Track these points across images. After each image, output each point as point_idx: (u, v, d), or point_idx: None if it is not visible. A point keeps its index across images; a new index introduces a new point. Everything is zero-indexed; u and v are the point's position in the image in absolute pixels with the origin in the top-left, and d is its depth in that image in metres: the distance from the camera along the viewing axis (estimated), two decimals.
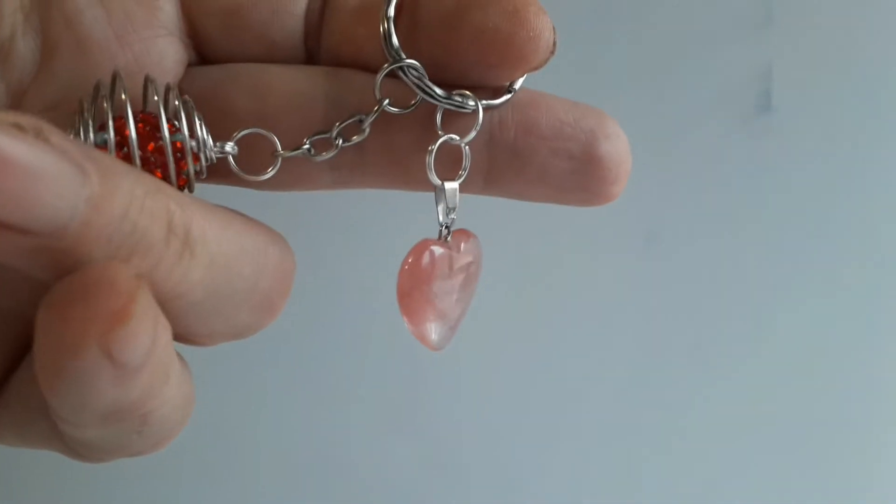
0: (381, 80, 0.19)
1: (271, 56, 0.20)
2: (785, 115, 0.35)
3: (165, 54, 0.19)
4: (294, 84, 0.19)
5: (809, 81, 0.35)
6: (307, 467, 0.38)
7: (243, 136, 0.19)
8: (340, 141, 0.20)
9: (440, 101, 0.19)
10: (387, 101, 0.19)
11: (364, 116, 0.19)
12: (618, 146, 0.19)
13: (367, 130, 0.19)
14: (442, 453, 0.38)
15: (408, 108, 0.19)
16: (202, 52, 0.20)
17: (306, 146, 0.19)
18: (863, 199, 0.36)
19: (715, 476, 0.38)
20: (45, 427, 0.18)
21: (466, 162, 0.20)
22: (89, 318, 0.14)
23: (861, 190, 0.36)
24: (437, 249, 0.21)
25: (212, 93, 0.19)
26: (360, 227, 0.34)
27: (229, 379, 0.37)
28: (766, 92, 0.35)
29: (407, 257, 0.21)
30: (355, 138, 0.19)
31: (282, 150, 0.19)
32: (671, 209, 0.36)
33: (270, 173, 0.19)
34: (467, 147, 0.19)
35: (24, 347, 0.19)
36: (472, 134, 0.19)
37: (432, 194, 0.20)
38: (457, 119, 0.19)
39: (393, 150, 0.20)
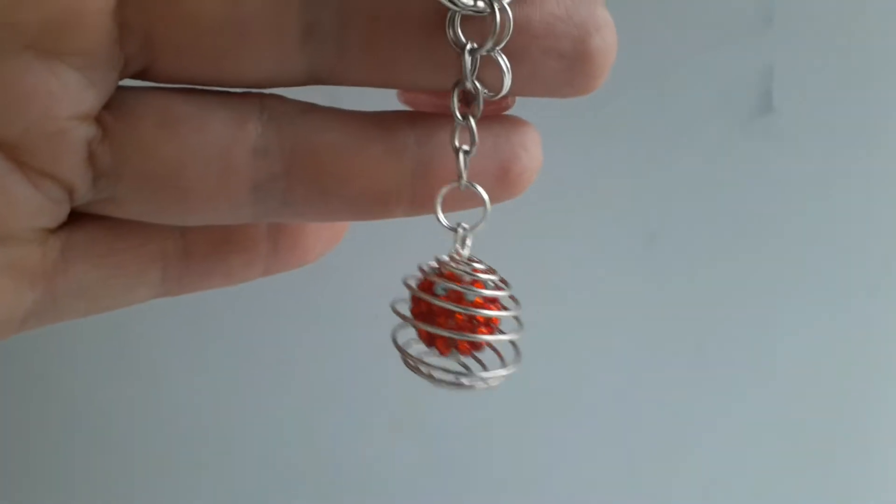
0: None
1: None
2: (786, 117, 0.35)
3: None
4: None
5: (811, 82, 0.35)
6: (306, 467, 0.38)
7: None
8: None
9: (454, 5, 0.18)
10: None
11: None
12: (607, 39, 0.19)
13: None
14: (442, 453, 0.38)
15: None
16: None
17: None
18: (864, 200, 0.36)
19: (716, 476, 0.38)
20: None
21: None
22: None
23: (863, 191, 0.36)
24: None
25: None
26: (359, 223, 0.34)
27: (228, 378, 0.37)
28: (766, 93, 0.35)
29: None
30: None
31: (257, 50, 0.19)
32: (671, 210, 0.36)
33: None
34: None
35: None
36: (489, 44, 0.19)
37: None
38: (467, 23, 0.19)
39: (379, 48, 0.19)
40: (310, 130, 0.20)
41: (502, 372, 0.21)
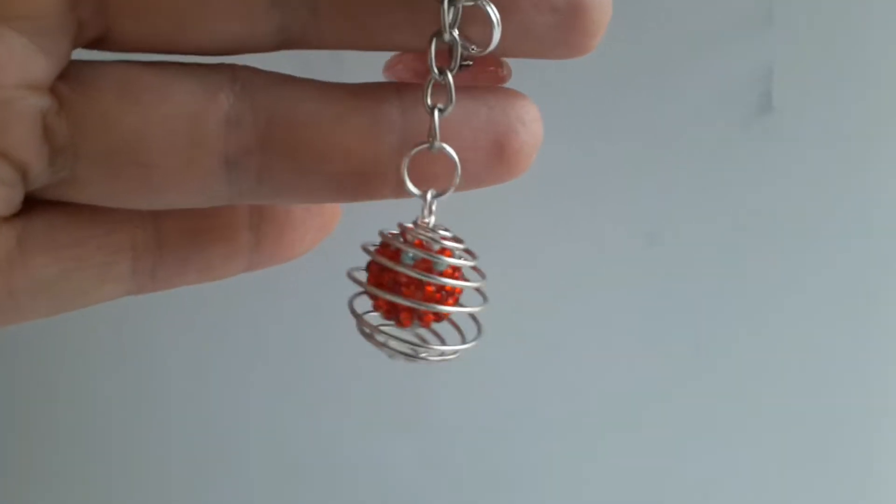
0: None
1: None
2: (786, 116, 0.35)
3: None
4: None
5: (811, 82, 0.35)
6: (305, 467, 0.38)
7: None
8: None
9: None
10: None
11: None
12: None
13: None
14: (442, 453, 0.38)
15: None
16: None
17: None
18: (865, 200, 0.36)
19: (716, 477, 0.38)
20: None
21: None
22: None
23: (863, 191, 0.36)
24: None
25: None
26: (359, 221, 0.34)
27: (226, 377, 0.37)
28: (766, 92, 0.35)
29: None
30: None
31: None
32: (671, 210, 0.36)
33: None
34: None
35: None
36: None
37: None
38: None
39: (354, 4, 0.18)
40: (286, 100, 0.19)
41: (462, 346, 0.20)
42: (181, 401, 0.37)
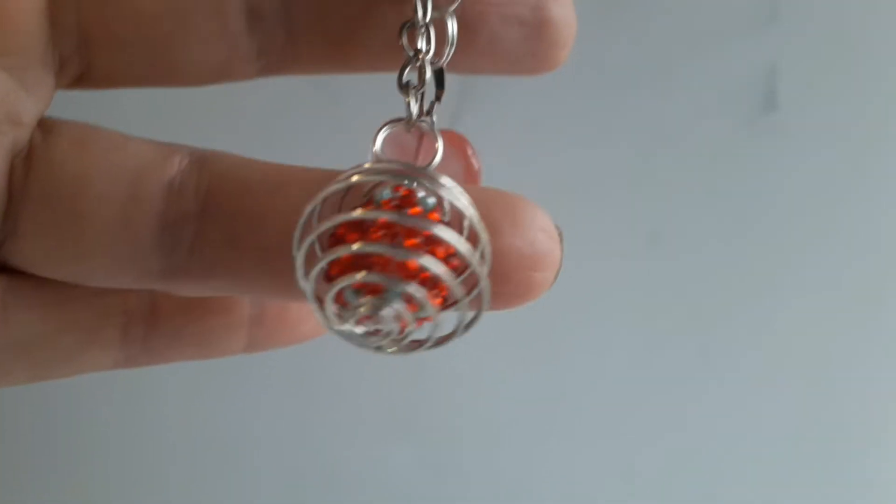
0: None
1: None
2: (791, 114, 0.35)
3: None
4: None
5: (816, 80, 0.35)
6: (304, 472, 0.38)
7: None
8: None
9: None
10: None
11: None
12: (566, 7, 0.18)
13: None
14: (442, 455, 0.38)
15: None
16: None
17: None
18: (870, 198, 0.36)
19: (717, 476, 0.38)
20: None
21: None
22: None
23: (868, 190, 0.36)
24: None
25: None
26: None
27: (225, 382, 0.36)
28: (771, 90, 0.35)
29: None
30: None
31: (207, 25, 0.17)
32: (674, 209, 0.36)
33: None
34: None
35: None
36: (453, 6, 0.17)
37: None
38: None
39: (328, 27, 0.18)
40: (230, 168, 0.18)
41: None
42: (180, 405, 0.37)
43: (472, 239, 0.16)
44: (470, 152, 0.18)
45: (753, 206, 0.36)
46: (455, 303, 0.16)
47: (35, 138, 0.18)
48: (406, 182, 0.16)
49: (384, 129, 0.18)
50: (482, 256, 0.16)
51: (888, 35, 0.35)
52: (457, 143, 0.19)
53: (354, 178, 0.16)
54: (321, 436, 0.37)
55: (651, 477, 0.38)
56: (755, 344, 0.37)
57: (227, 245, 0.18)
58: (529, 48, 0.18)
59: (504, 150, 0.34)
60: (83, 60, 0.18)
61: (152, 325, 0.19)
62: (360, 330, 0.17)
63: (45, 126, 0.18)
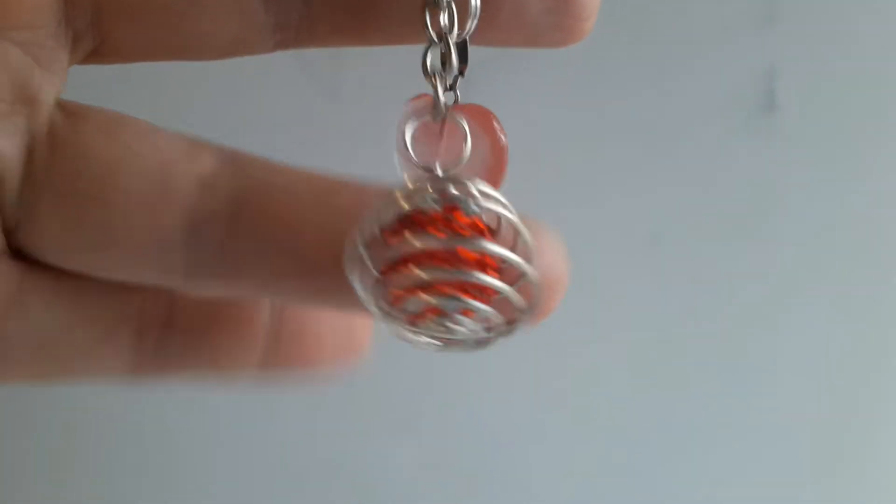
0: None
1: None
2: (790, 115, 0.35)
3: None
4: None
5: (815, 80, 0.35)
6: (305, 468, 0.38)
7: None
8: None
9: None
10: None
11: None
12: None
13: None
14: (442, 454, 0.38)
15: None
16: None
17: None
18: (869, 200, 0.36)
19: (718, 477, 0.38)
20: None
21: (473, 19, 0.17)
22: None
23: (867, 191, 0.36)
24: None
25: None
26: None
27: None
28: (770, 91, 0.35)
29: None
30: None
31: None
32: (674, 210, 0.36)
33: None
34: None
35: None
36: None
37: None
38: None
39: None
40: (268, 173, 0.18)
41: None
42: (180, 400, 0.37)
43: (519, 248, 0.17)
44: (497, 127, 0.18)
45: (753, 206, 0.36)
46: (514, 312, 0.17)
47: (57, 121, 0.17)
48: (450, 198, 0.16)
49: (409, 117, 0.17)
50: (530, 259, 0.17)
51: (887, 35, 0.35)
52: (482, 119, 0.18)
53: (405, 205, 0.16)
54: (325, 433, 0.37)
55: (652, 475, 0.38)
56: (755, 343, 0.37)
57: (262, 250, 0.17)
58: (554, 20, 0.18)
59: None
60: (96, 35, 0.17)
61: (166, 336, 0.19)
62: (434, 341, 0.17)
63: (70, 110, 0.17)
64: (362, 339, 0.20)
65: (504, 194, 0.17)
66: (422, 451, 0.38)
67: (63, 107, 0.17)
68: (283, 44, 0.18)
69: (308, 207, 0.17)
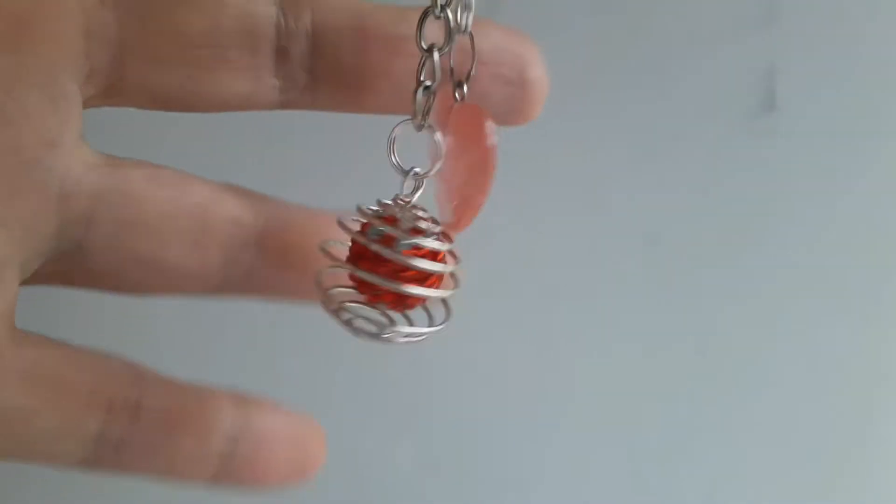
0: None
1: None
2: (789, 115, 0.35)
3: None
4: (244, 3, 0.19)
5: (814, 80, 0.35)
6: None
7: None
8: None
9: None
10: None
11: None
12: (541, 70, 0.21)
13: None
14: (442, 454, 0.38)
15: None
16: None
17: None
18: (869, 200, 0.36)
19: (716, 478, 0.38)
20: None
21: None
22: None
23: (867, 191, 0.36)
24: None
25: (149, 3, 0.19)
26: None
27: (230, 378, 0.36)
28: (769, 91, 0.35)
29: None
30: None
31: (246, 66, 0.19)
32: (671, 211, 0.36)
33: None
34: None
35: None
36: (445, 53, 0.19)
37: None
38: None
39: (346, 74, 0.20)
40: (281, 206, 0.22)
41: (425, 329, 0.20)
42: None
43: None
44: (487, 129, 0.20)
45: (752, 207, 0.36)
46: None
47: (94, 168, 0.19)
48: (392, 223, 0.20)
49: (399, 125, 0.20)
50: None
51: (887, 35, 0.35)
52: (473, 120, 0.20)
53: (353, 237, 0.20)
54: (325, 431, 0.37)
55: (650, 476, 0.38)
56: (753, 344, 0.37)
57: (281, 271, 0.21)
58: (513, 104, 0.21)
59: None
60: (114, 73, 0.18)
61: (130, 432, 0.20)
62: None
63: (111, 162, 0.19)
64: (315, 459, 0.23)
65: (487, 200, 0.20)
66: (421, 451, 0.38)
67: (104, 159, 0.19)
68: (286, 105, 0.20)
69: (310, 240, 0.21)
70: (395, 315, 0.21)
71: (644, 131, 0.35)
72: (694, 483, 0.38)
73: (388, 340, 0.20)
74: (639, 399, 0.37)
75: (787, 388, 0.38)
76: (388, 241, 0.19)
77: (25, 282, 0.19)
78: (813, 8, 0.35)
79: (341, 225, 0.20)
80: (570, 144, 0.35)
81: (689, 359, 0.37)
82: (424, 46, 0.19)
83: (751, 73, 0.35)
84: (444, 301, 0.20)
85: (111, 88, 0.19)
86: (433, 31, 0.20)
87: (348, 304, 0.20)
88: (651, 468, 0.38)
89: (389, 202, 0.20)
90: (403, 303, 0.20)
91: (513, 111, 0.21)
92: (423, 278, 0.20)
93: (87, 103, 0.19)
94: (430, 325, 0.20)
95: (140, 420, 0.20)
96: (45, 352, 0.19)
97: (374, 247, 0.19)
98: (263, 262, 0.21)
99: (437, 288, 0.20)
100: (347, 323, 0.20)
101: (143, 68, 0.19)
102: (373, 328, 0.20)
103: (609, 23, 0.34)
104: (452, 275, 0.21)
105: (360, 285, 0.20)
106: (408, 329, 0.20)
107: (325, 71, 0.20)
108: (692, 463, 0.38)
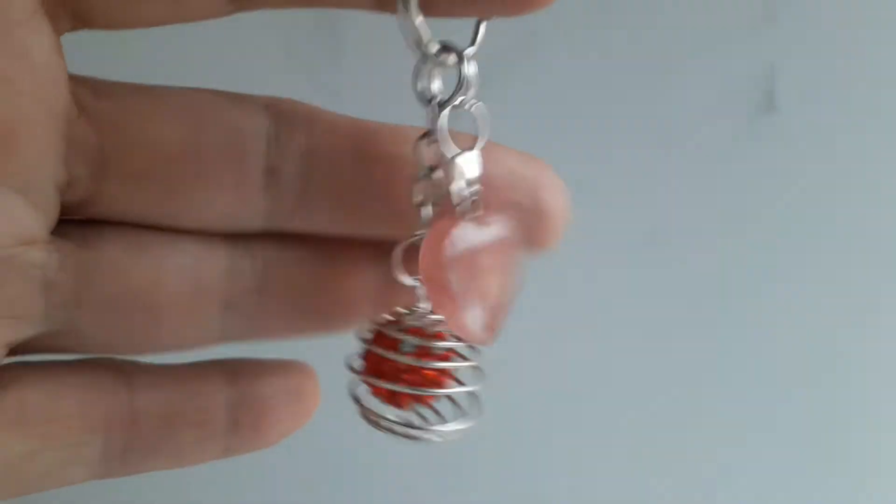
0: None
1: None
2: (789, 116, 0.35)
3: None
4: (231, 118, 0.18)
5: (814, 81, 0.35)
6: (305, 466, 0.37)
7: None
8: None
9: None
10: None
11: None
12: (559, 196, 0.20)
13: None
14: (441, 454, 0.38)
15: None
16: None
17: None
18: (868, 200, 0.36)
19: (718, 474, 0.38)
20: None
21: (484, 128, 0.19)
22: None
23: (866, 191, 0.36)
24: (459, 229, 0.19)
25: (129, 115, 0.18)
26: None
27: None
28: (769, 92, 0.35)
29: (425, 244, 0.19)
30: None
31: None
32: (672, 210, 0.36)
33: None
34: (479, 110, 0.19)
35: None
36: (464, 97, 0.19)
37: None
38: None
39: (341, 201, 0.19)
40: (280, 249, 0.20)
41: (460, 426, 0.21)
42: None
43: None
44: (448, 237, 0.19)
45: (752, 206, 0.36)
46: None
47: (64, 247, 0.18)
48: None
49: None
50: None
51: (887, 35, 0.35)
52: (441, 228, 0.19)
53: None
54: (327, 430, 0.37)
55: (652, 472, 0.38)
56: (754, 343, 0.37)
57: (287, 313, 0.20)
58: (527, 231, 0.20)
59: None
60: (91, 185, 0.18)
61: (131, 439, 0.20)
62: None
63: (75, 234, 0.18)
64: (311, 402, 0.23)
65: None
66: (421, 451, 0.38)
67: (66, 235, 0.18)
68: (270, 226, 0.19)
69: (323, 273, 0.20)
70: (425, 411, 0.21)
71: (644, 130, 0.35)
72: (696, 480, 0.38)
73: (429, 440, 0.21)
74: (639, 397, 0.37)
75: (787, 385, 0.38)
76: (422, 352, 0.20)
77: (14, 352, 0.18)
78: (813, 8, 0.35)
79: (364, 340, 0.20)
80: (570, 143, 0.35)
81: (688, 357, 0.37)
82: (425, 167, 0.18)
83: (751, 73, 0.35)
84: (474, 395, 0.21)
85: (88, 202, 0.18)
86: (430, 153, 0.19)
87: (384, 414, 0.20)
88: (652, 465, 0.38)
89: (403, 310, 0.20)
90: (419, 400, 0.20)
91: (530, 239, 0.20)
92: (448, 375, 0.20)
93: (66, 213, 0.18)
94: (462, 418, 0.21)
95: (138, 425, 0.20)
96: (27, 390, 0.18)
97: (408, 360, 0.19)
98: (268, 308, 0.20)
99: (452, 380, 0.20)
100: (390, 430, 0.20)
101: (120, 181, 0.18)
102: (415, 432, 0.20)
103: (609, 23, 0.34)
104: (477, 367, 0.21)
105: (390, 397, 0.20)
106: (443, 428, 0.21)
107: (321, 192, 0.19)
108: (693, 460, 0.38)
